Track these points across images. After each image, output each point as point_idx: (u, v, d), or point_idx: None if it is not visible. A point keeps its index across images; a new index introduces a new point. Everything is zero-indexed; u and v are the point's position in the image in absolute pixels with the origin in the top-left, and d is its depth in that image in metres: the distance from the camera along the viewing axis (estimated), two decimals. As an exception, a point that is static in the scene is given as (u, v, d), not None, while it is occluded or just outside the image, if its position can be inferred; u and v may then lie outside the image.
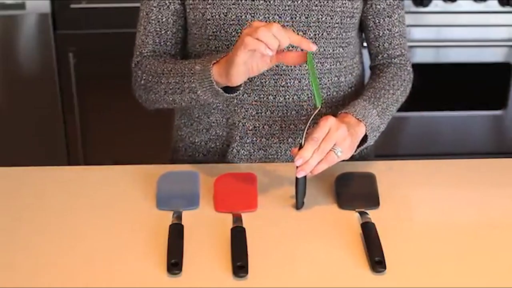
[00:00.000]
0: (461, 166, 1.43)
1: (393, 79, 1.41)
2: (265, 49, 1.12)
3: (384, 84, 1.39)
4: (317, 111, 1.21)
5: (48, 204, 1.26)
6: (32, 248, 1.13)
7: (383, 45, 1.44)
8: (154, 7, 1.39)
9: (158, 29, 1.40)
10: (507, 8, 2.56)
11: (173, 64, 1.34)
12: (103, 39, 2.50)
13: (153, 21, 1.39)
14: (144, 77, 1.38)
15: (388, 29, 1.43)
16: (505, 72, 2.67)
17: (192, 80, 1.26)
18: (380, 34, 1.43)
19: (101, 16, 2.46)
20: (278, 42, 1.13)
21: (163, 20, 1.39)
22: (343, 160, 1.45)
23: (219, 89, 1.23)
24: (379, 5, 1.41)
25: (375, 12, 1.41)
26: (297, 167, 1.19)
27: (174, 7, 1.39)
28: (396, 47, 1.44)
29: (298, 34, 1.33)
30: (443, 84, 2.69)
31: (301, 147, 1.19)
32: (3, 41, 2.48)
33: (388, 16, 1.42)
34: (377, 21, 1.42)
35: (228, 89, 1.24)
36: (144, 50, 1.41)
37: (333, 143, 1.19)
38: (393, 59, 1.45)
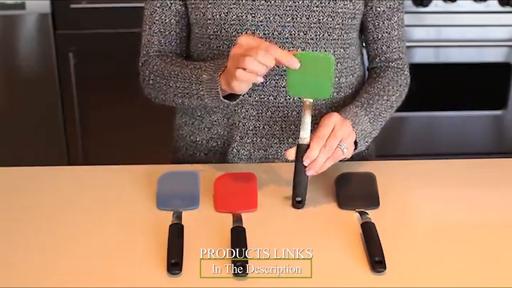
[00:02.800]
0: (461, 166, 1.43)
1: (389, 84, 1.41)
2: (255, 78, 1.16)
3: (379, 90, 1.39)
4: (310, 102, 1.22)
5: (47, 204, 1.26)
6: (31, 248, 1.13)
7: (381, 47, 1.44)
8: (157, 7, 1.40)
9: (162, 30, 1.41)
10: (507, 8, 2.55)
11: (180, 67, 1.35)
12: (103, 39, 2.50)
13: (157, 21, 1.41)
14: (152, 77, 1.40)
15: (387, 32, 1.43)
16: (505, 72, 2.67)
17: (200, 88, 1.28)
18: (379, 37, 1.43)
19: (101, 16, 2.46)
20: (265, 68, 1.15)
21: (166, 20, 1.40)
22: (343, 160, 1.46)
23: (225, 100, 1.26)
24: (379, 7, 1.41)
25: (375, 14, 1.41)
26: (305, 167, 1.20)
27: (176, 8, 1.40)
28: (394, 50, 1.44)
29: (298, 34, 1.34)
30: (443, 84, 2.69)
31: (298, 145, 1.20)
32: (3, 41, 2.48)
33: (387, 19, 1.42)
34: (376, 23, 1.42)
35: (231, 94, 1.26)
36: (150, 50, 1.43)
37: (339, 140, 1.20)
38: (390, 63, 1.45)
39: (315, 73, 1.18)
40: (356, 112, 1.31)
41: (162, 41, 1.42)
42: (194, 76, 1.30)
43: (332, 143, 1.20)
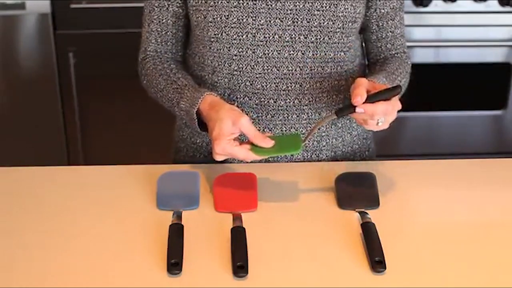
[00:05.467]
0: (461, 166, 1.43)
1: (399, 67, 1.42)
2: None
3: (393, 70, 1.40)
4: (327, 119, 1.23)
5: (48, 204, 1.26)
6: (31, 248, 1.13)
7: (386, 45, 1.45)
8: (156, 7, 1.41)
9: (159, 29, 1.42)
10: (507, 8, 2.56)
11: (166, 82, 1.38)
12: (103, 39, 2.50)
13: (155, 20, 1.42)
14: (145, 80, 1.44)
15: (391, 31, 1.43)
16: (505, 72, 2.67)
17: (181, 113, 1.33)
18: (383, 36, 1.44)
19: (101, 16, 2.47)
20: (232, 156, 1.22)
21: (163, 21, 1.42)
22: (343, 160, 1.46)
23: (203, 132, 1.31)
24: (383, 9, 1.41)
25: (379, 16, 1.41)
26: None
27: (173, 9, 1.40)
28: (398, 47, 1.45)
29: (299, 38, 1.34)
30: (443, 84, 2.69)
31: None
32: (3, 41, 2.49)
33: (391, 19, 1.42)
34: (381, 24, 1.42)
35: None
36: (148, 47, 1.45)
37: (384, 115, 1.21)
38: (395, 55, 1.46)
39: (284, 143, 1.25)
40: (385, 83, 1.31)
41: (159, 40, 1.44)
42: (175, 100, 1.34)
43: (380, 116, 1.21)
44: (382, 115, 1.20)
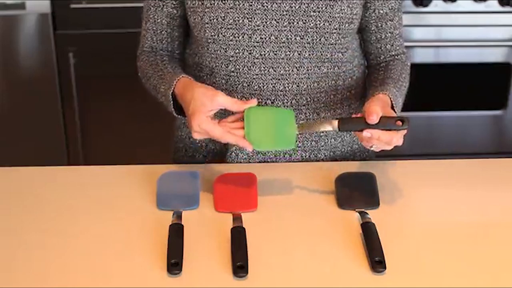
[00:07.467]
0: (461, 166, 1.43)
1: (402, 72, 1.43)
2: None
3: (398, 76, 1.40)
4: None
5: (48, 204, 1.26)
6: (32, 248, 1.13)
7: (385, 46, 1.45)
8: (152, 6, 1.43)
9: (155, 28, 1.44)
10: (507, 8, 2.56)
11: (153, 70, 1.40)
12: (103, 39, 2.50)
13: (151, 19, 1.44)
14: (140, 71, 1.46)
15: (390, 32, 1.43)
16: (505, 72, 2.67)
17: (163, 99, 1.34)
18: (383, 37, 1.44)
19: (101, 16, 2.46)
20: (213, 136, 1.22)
21: (158, 20, 1.43)
22: (343, 160, 1.46)
23: (180, 116, 1.34)
24: (382, 10, 1.41)
25: (378, 16, 1.41)
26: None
27: (167, 10, 1.42)
28: (397, 47, 1.45)
29: (295, 39, 1.34)
30: (443, 84, 2.69)
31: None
32: (3, 41, 2.48)
33: (390, 20, 1.42)
34: (380, 24, 1.42)
35: None
36: (145, 44, 1.47)
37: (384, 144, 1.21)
38: (395, 57, 1.45)
39: (278, 125, 1.23)
40: (395, 93, 1.31)
41: (154, 39, 1.45)
42: (157, 86, 1.36)
43: (379, 143, 1.20)
44: (383, 144, 1.20)
